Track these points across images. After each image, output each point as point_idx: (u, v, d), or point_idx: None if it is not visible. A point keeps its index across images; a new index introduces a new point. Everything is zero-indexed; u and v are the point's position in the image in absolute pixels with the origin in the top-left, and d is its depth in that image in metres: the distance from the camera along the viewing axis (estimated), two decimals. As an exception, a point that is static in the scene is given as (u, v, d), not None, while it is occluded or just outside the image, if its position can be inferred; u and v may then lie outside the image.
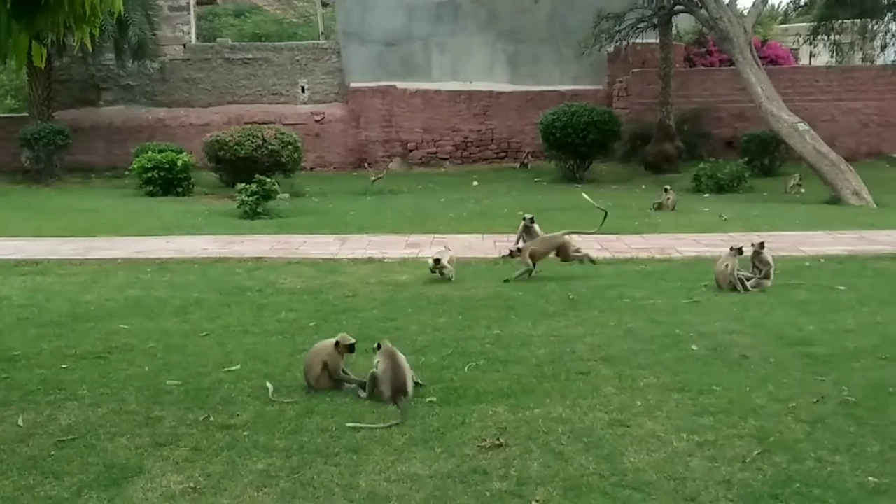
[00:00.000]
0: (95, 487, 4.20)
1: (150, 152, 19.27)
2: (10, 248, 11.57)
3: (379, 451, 4.60)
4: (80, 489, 4.18)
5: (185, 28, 25.93)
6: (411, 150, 25.10)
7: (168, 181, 18.86)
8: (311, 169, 24.01)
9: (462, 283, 8.98)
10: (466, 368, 6.02)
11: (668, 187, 15.51)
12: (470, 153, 25.15)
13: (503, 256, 10.24)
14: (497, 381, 5.72)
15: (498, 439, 4.73)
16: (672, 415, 5.11)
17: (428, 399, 5.37)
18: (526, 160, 23.90)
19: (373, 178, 19.42)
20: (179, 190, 18.97)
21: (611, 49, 22.56)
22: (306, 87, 25.67)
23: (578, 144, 20.45)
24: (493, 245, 11.39)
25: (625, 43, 21.57)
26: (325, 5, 34.13)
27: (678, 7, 20.49)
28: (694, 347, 6.45)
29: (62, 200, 18.19)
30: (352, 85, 25.03)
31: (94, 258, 10.74)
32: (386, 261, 10.43)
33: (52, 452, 4.62)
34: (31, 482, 4.25)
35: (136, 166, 19.05)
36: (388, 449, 4.64)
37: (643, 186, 18.98)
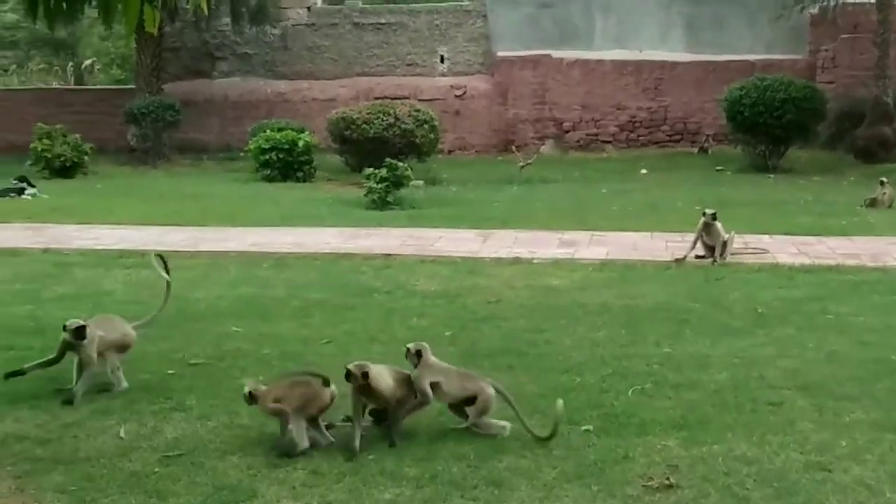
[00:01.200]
0: (203, 511, 4.36)
1: (268, 131, 19.90)
2: (113, 237, 12.16)
3: (525, 486, 4.60)
4: (186, 512, 4.35)
5: (311, -12, 26.66)
6: (567, 132, 24.99)
7: (287, 164, 19.42)
8: (450, 152, 24.22)
9: (626, 290, 8.87)
10: (630, 393, 5.94)
11: (884, 179, 14.89)
12: (638, 135, 24.85)
13: (676, 260, 10.09)
14: (667, 410, 5.63)
15: (668, 479, 4.65)
16: (885, 459, 4.90)
17: (583, 427, 5.33)
18: (706, 144, 23.42)
19: (521, 163, 19.43)
20: (300, 175, 19.50)
21: (815, 10, 21.81)
22: (446, 56, 25.93)
23: (772, 126, 19.88)
24: (663, 246, 11.21)
25: (832, 3, 20.81)
26: (469, -39, 34.39)
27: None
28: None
29: (170, 184, 19.01)
30: (499, 54, 25.13)
31: (205, 250, 11.16)
32: (535, 261, 10.41)
33: (157, 469, 4.82)
34: (132, 502, 4.45)
35: (252, 147, 19.71)
36: (536, 484, 4.63)
37: (852, 178, 18.28)
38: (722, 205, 14.41)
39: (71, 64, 32.97)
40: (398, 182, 15.16)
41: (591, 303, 8.37)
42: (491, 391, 5.36)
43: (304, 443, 5.01)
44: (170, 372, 6.43)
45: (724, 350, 6.88)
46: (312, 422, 5.12)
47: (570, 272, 9.77)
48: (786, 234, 11.91)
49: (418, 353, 5.52)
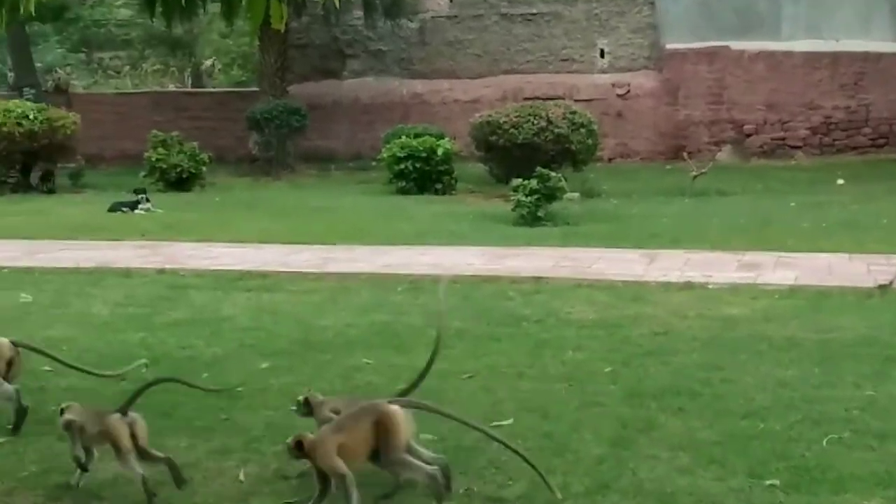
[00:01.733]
0: (330, 565, 4.43)
1: (403, 137, 20.19)
2: (233, 257, 12.51)
3: (698, 549, 4.52)
4: (311, 567, 4.43)
5: (452, -24, 26.97)
6: (749, 136, 24.60)
7: (425, 175, 19.64)
8: (610, 160, 24.14)
9: (820, 322, 8.65)
10: (825, 442, 5.78)
11: None
12: (833, 140, 24.29)
13: (881, 286, 9.79)
14: (869, 463, 5.45)
15: (870, 546, 4.51)
16: None
17: (768, 482, 5.22)
18: (917, 150, 22.73)
19: (694, 172, 19.19)
20: (438, 186, 19.70)
21: None
22: (607, 50, 25.89)
23: None
24: (864, 269, 10.90)
25: None
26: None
27: None
28: None
29: (295, 197, 19.47)
30: (668, 46, 24.93)
31: (333, 272, 11.37)
32: (711, 287, 10.25)
33: (280, 517, 4.92)
34: (252, 552, 4.56)
35: (385, 155, 20.02)
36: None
37: None
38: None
39: (189, 65, 34.12)
40: (551, 195, 15.15)
41: (778, 336, 8.18)
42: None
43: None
44: (293, 408, 6.55)
45: (939, 394, 6.64)
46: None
47: (751, 300, 9.58)
48: None
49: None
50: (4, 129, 20.71)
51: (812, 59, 24.16)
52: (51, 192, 21.32)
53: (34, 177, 21.83)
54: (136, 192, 18.21)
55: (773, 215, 15.51)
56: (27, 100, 23.52)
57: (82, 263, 12.03)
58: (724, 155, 23.83)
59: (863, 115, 24.15)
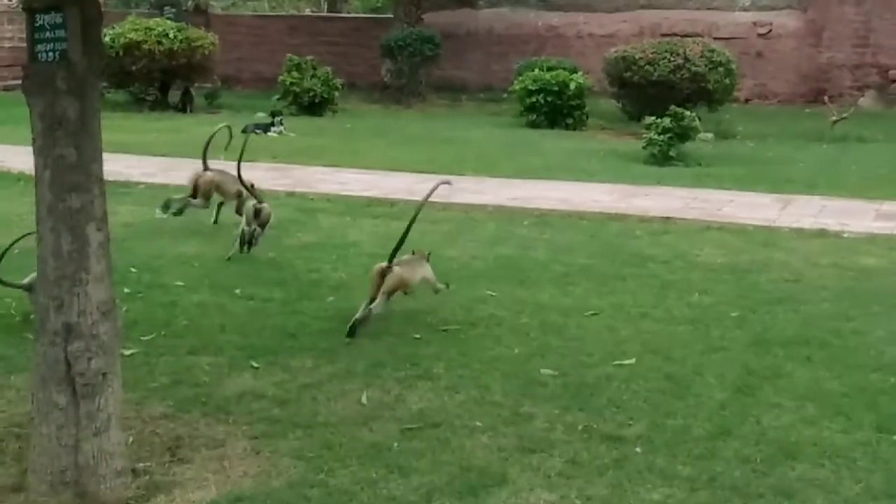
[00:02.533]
0: (448, 493, 4.49)
1: (536, 70, 20.07)
2: (362, 183, 12.65)
3: (821, 501, 4.46)
4: (429, 492, 4.49)
5: None
6: (894, 81, 23.83)
7: (556, 109, 19.54)
8: (747, 101, 23.69)
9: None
10: (957, 400, 5.65)
11: None
12: (984, 86, 23.39)
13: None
14: None
15: None
16: None
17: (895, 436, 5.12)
18: None
19: (834, 117, 18.71)
20: (570, 121, 19.58)
21: None
22: (750, -13, 25.25)
23: None
24: None
25: None
26: None
27: None
28: None
29: (425, 126, 19.54)
30: (815, -15, 24.20)
31: (460, 202, 11.39)
32: (846, 235, 10.03)
33: (398, 442, 5.00)
34: (372, 475, 4.64)
35: (517, 87, 19.94)
36: (835, 500, 4.48)
37: None
38: None
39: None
40: (684, 134, 14.96)
41: (917, 290, 7.99)
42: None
43: None
44: (416, 336, 6.63)
45: None
46: None
47: (888, 250, 9.36)
48: None
49: None
50: (145, 46, 21.09)
51: (967, 3, 23.25)
52: (188, 111, 21.73)
53: (172, 95, 22.27)
54: (273, 114, 18.44)
55: (915, 165, 15.07)
56: (167, 18, 23.88)
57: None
58: (867, 100, 23.14)
59: None
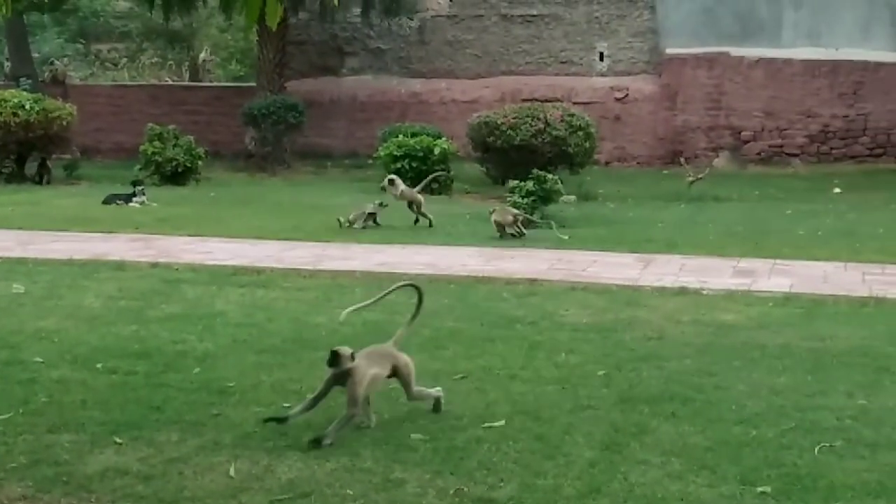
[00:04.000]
0: (318, 563, 4.43)
1: (400, 136, 20.22)
2: (227, 252, 12.51)
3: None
4: (299, 564, 4.42)
5: (452, -26, 26.98)
6: (746, 142, 24.67)
7: (421, 174, 19.61)
8: (607, 163, 24.19)
9: (814, 330, 8.66)
10: (816, 451, 5.79)
11: None
12: (831, 148, 24.37)
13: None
14: (861, 473, 5.45)
15: (860, 556, 4.52)
16: None
17: (760, 489, 5.22)
18: (914, 160, 22.77)
19: (691, 178, 19.22)
20: (435, 186, 19.68)
21: None
22: (606, 53, 25.96)
23: None
24: (860, 278, 10.92)
25: None
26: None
27: None
28: None
29: (291, 194, 19.48)
30: (668, 51, 24.99)
31: (327, 269, 11.37)
32: (705, 292, 10.26)
33: (268, 513, 4.92)
34: (241, 548, 4.56)
35: (382, 154, 20.04)
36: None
37: None
38: (932, 232, 14.04)
39: (186, 59, 34.08)
40: (547, 197, 15.17)
41: (771, 343, 8.18)
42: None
43: None
44: (285, 405, 6.55)
45: (931, 404, 6.64)
46: None
47: (746, 306, 9.58)
48: None
49: None
50: (0, 118, 20.67)
51: (811, 66, 24.20)
52: (46, 182, 21.30)
53: (29, 167, 21.81)
54: (134, 184, 18.17)
55: (769, 222, 15.53)
56: (24, 90, 23.46)
57: (76, 255, 12.02)
58: (721, 161, 23.86)
59: (860, 125, 24.19)
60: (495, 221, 13.84)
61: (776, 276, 11.07)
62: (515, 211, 14.01)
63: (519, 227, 13.81)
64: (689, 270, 11.40)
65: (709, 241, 13.53)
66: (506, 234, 13.72)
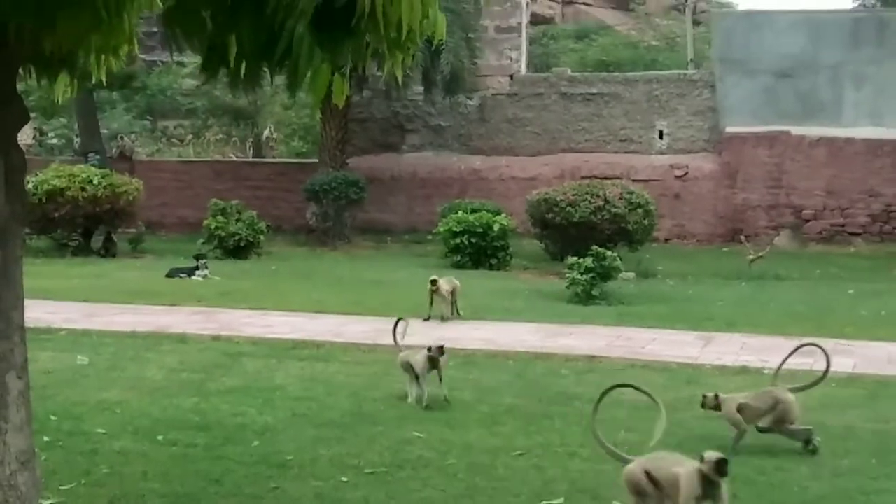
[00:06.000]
0: None
1: (460, 212, 20.31)
2: (288, 326, 12.58)
3: None
4: None
5: (514, 55, 27.28)
6: (807, 221, 24.47)
7: (480, 250, 19.71)
8: (667, 241, 24.09)
9: (878, 411, 8.54)
10: (881, 535, 5.68)
11: None
12: (893, 227, 24.14)
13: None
14: (927, 559, 5.35)
15: None
16: None
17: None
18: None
19: (751, 256, 19.08)
20: (494, 262, 19.75)
21: None
22: (666, 131, 25.97)
23: None
24: (926, 359, 10.76)
25: None
26: (697, 24, 34.44)
27: None
28: None
29: (350, 269, 19.57)
30: (728, 129, 24.96)
31: (386, 344, 11.36)
32: (766, 372, 10.12)
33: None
34: None
35: (442, 229, 20.12)
36: None
37: None
38: None
39: (251, 135, 34.59)
40: (606, 273, 15.14)
41: (834, 424, 8.06)
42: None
43: None
44: (343, 480, 6.55)
45: None
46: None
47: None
48: None
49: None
50: (68, 193, 21.07)
51: (874, 145, 24.05)
52: (111, 255, 21.58)
53: (95, 240, 22.10)
54: (196, 258, 18.35)
55: (830, 302, 15.36)
56: (92, 165, 23.91)
57: (139, 328, 12.15)
58: (782, 240, 23.67)
59: (923, 204, 23.96)
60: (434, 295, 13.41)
61: (839, 356, 10.86)
62: (457, 282, 13.82)
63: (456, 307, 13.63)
64: (749, 349, 11.29)
65: (770, 321, 13.40)
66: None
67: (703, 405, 7.61)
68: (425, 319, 13.02)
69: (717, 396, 7.53)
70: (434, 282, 13.28)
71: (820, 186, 24.35)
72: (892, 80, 24.13)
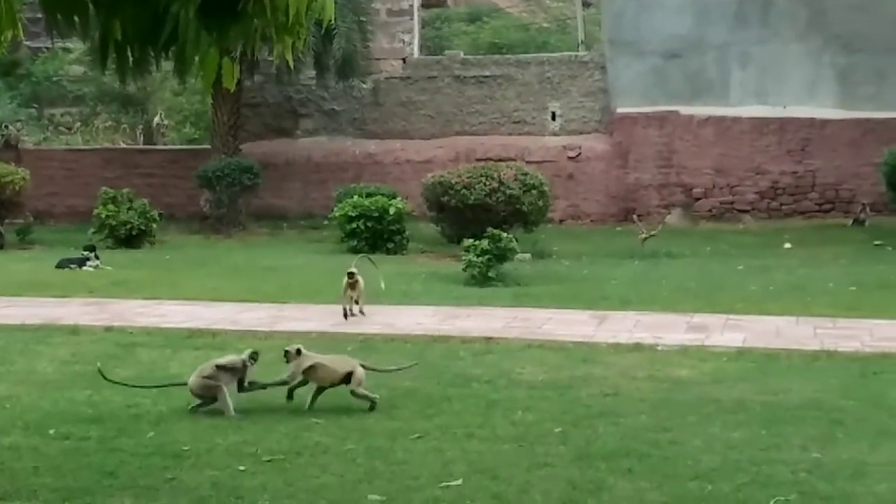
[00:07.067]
0: None
1: (355, 197, 20.24)
2: (182, 315, 12.43)
3: None
4: None
5: (406, 38, 27.19)
6: (697, 199, 24.86)
7: (377, 234, 19.67)
8: (561, 221, 24.29)
9: (767, 384, 8.73)
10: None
11: None
12: (780, 204, 24.60)
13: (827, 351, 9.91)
14: (816, 526, 5.49)
15: None
16: None
17: (716, 543, 5.24)
18: (862, 215, 23.02)
19: (643, 235, 19.34)
20: (390, 246, 19.71)
21: None
22: (558, 112, 26.15)
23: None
24: (811, 332, 11.01)
25: None
26: (587, 5, 34.75)
27: None
28: None
29: (246, 256, 19.40)
30: (619, 110, 25.23)
31: (282, 330, 11.32)
32: (660, 348, 10.30)
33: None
34: None
35: (337, 214, 20.04)
36: None
37: None
38: (882, 287, 14.19)
39: (140, 122, 33.97)
40: (502, 255, 15.21)
41: (725, 398, 8.23)
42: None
43: None
44: (241, 468, 6.51)
45: (884, 457, 6.68)
46: None
47: (699, 362, 9.64)
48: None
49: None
50: (-48, 184, 20.54)
51: (759, 124, 24.49)
52: (-2, 247, 21.10)
53: (-18, 233, 21.58)
54: (86, 248, 18.01)
55: (721, 278, 15.64)
56: (-24, 155, 23.30)
57: (28, 320, 11.89)
58: (674, 218, 24.02)
59: (809, 181, 24.46)
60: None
61: (729, 332, 11.14)
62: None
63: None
64: (643, 327, 11.45)
65: (662, 298, 13.60)
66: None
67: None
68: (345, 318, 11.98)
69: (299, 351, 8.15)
70: (352, 274, 12.05)
71: (709, 165, 24.73)
72: (775, 59, 24.59)
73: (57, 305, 13.30)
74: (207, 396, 7.94)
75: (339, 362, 8.31)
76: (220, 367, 7.99)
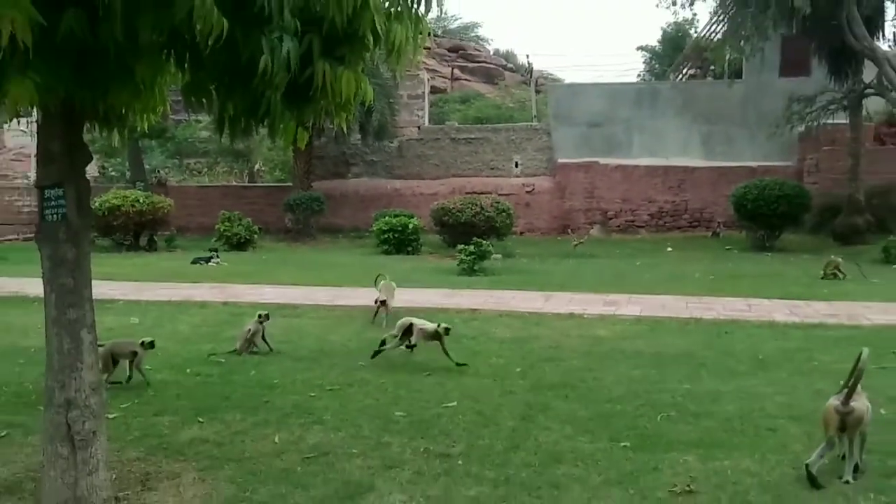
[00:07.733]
0: (335, 499, 4.37)
1: (387, 217, 20.23)
2: (274, 294, 12.40)
3: (577, 489, 4.51)
4: (322, 500, 4.36)
5: (420, 113, 27.18)
6: (610, 219, 24.83)
7: (401, 241, 19.66)
8: (521, 233, 24.24)
9: (656, 340, 8.71)
10: (658, 418, 5.81)
11: (832, 257, 14.55)
12: (665, 222, 24.57)
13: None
14: (688, 433, 5.48)
15: (689, 486, 4.52)
16: (866, 476, 4.67)
17: (622, 444, 5.22)
18: (717, 230, 23.02)
19: (575, 242, 19.35)
20: (409, 249, 19.71)
21: (802, 129, 21.42)
22: (519, 162, 26.11)
23: (769, 216, 19.53)
24: (685, 305, 11.00)
25: (816, 124, 20.43)
26: (538, 92, 34.74)
27: (869, 91, 19.27)
28: (882, 412, 5.89)
29: (315, 256, 19.37)
30: (559, 160, 25.21)
31: (341, 304, 11.30)
32: (586, 316, 10.29)
33: (300, 467, 4.85)
34: (282, 491, 4.49)
35: (375, 229, 20.04)
36: (586, 487, 4.54)
37: (831, 256, 17.71)
38: (731, 276, 14.18)
39: (246, 168, 33.96)
40: (482, 255, 15.22)
41: (629, 349, 8.23)
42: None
43: None
44: (311, 395, 6.50)
45: (732, 388, 6.68)
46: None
47: (612, 325, 9.63)
48: (781, 298, 11.58)
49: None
50: (123, 208, 20.62)
51: (651, 170, 24.49)
52: (153, 250, 21.08)
53: (141, 240, 21.58)
54: (211, 250, 18.04)
55: (626, 271, 15.64)
56: (139, 189, 23.27)
57: (173, 298, 11.88)
58: (595, 231, 24.00)
59: (683, 207, 24.45)
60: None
61: (631, 305, 11.12)
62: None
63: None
64: (575, 302, 11.43)
65: (588, 283, 13.58)
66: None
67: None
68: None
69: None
70: (384, 302, 9.69)
71: (618, 196, 24.72)
72: (662, 128, 24.62)
73: (191, 288, 13.27)
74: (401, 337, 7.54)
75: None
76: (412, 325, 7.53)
